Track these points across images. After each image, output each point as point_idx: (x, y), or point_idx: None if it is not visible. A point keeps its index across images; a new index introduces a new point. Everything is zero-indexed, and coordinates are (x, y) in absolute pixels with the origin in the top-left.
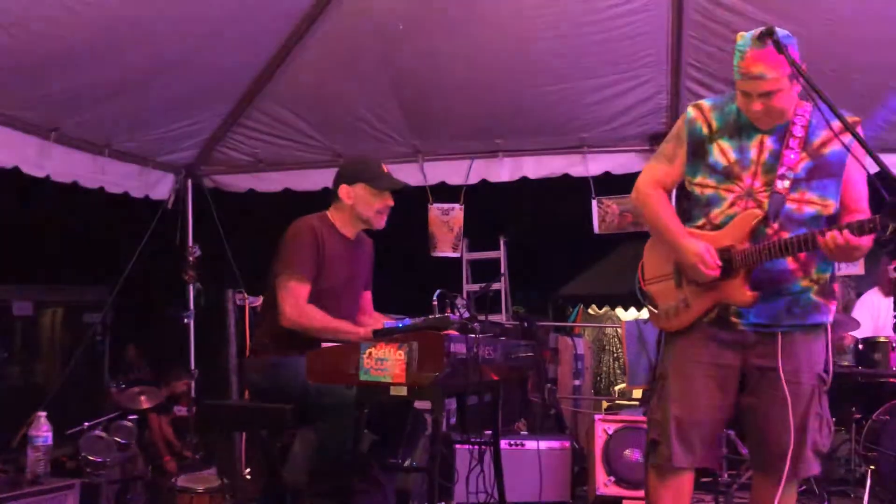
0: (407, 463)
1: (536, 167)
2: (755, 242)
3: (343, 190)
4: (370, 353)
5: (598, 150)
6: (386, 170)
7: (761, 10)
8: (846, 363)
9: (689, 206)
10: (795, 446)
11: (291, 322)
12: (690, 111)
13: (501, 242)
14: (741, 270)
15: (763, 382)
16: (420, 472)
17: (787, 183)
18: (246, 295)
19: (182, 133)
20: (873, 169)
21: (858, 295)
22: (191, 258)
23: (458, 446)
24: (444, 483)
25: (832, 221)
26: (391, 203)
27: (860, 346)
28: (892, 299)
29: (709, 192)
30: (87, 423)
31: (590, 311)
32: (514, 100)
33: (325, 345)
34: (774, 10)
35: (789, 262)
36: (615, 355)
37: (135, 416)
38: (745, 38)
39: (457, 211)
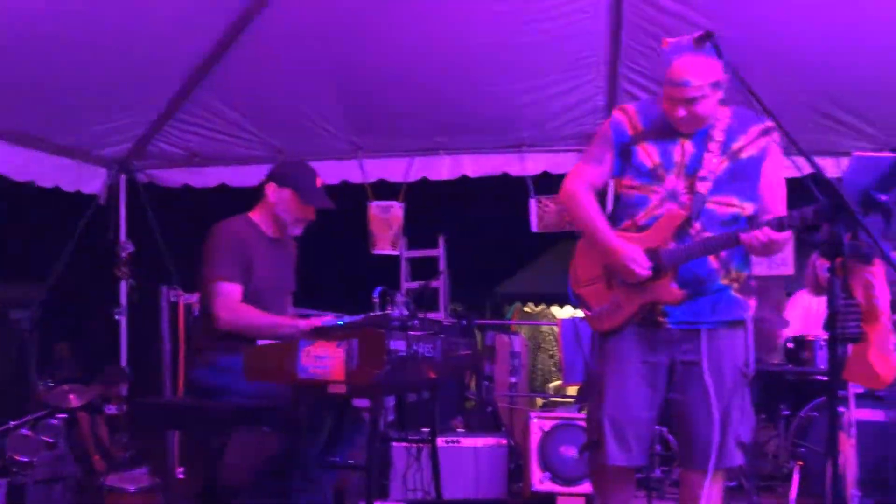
0: (344, 461)
1: (476, 165)
2: (679, 242)
3: (271, 188)
4: (308, 351)
5: (537, 150)
6: (320, 184)
7: (699, 13)
8: (776, 361)
9: (616, 208)
10: (720, 438)
11: (228, 325)
12: (617, 114)
13: (441, 240)
14: (668, 270)
15: (689, 378)
16: (358, 469)
17: (708, 185)
18: (181, 291)
19: (116, 127)
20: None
21: (789, 295)
22: (123, 254)
23: (395, 444)
24: (381, 480)
25: (750, 222)
26: (313, 218)
27: (790, 345)
28: (822, 299)
29: (635, 192)
30: (12, 423)
31: (526, 308)
32: (454, 98)
33: (261, 342)
34: (711, 14)
35: (712, 261)
36: (550, 353)
37: (64, 415)
38: (671, 45)
39: (396, 209)
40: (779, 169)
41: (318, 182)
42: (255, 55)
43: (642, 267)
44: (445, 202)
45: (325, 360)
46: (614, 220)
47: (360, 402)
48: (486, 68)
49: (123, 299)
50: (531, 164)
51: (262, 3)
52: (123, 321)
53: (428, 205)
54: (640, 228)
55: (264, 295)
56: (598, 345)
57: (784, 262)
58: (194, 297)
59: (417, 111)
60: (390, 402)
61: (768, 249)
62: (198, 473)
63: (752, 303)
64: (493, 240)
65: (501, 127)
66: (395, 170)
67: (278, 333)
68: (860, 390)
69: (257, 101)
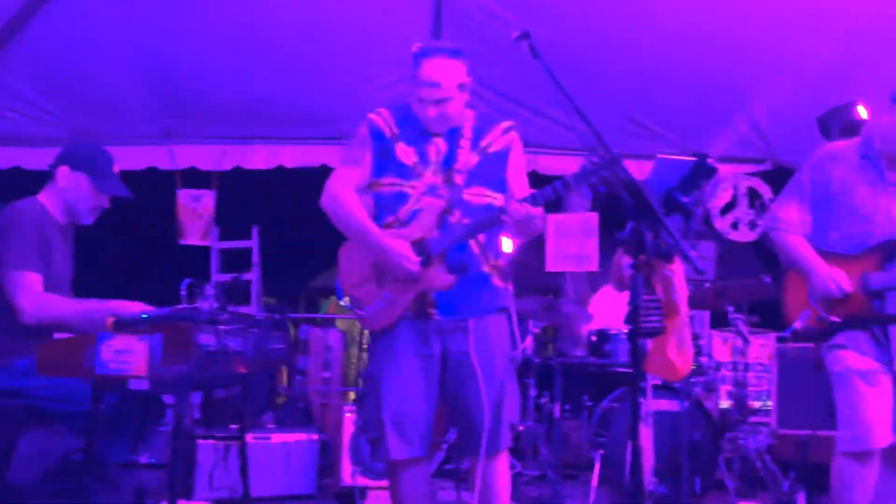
0: (145, 460)
1: (294, 156)
2: (443, 230)
3: (63, 172)
4: (109, 345)
5: None
6: (117, 171)
7: (517, 15)
8: (580, 353)
9: (374, 207)
10: (493, 423)
11: (34, 317)
12: (372, 118)
13: (254, 231)
14: (436, 258)
15: (461, 368)
16: (159, 468)
17: (463, 177)
18: None
19: None
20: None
21: (593, 290)
22: None
23: (201, 441)
24: (186, 480)
25: (501, 211)
26: (106, 206)
27: (593, 338)
28: (624, 294)
29: (396, 189)
30: None
31: (342, 302)
32: (272, 86)
33: (57, 336)
34: (530, 16)
35: (474, 247)
36: (364, 347)
37: None
38: (421, 47)
39: (208, 197)
40: (521, 162)
41: (115, 168)
42: (56, 30)
43: (411, 261)
44: (260, 192)
45: (127, 355)
46: (375, 219)
47: (165, 399)
48: (307, 58)
49: None
50: None
51: None
52: None
53: (242, 195)
54: (404, 223)
55: (61, 285)
56: (372, 343)
57: (589, 260)
58: None
59: (234, 97)
60: (197, 398)
61: (527, 226)
62: None
63: (510, 289)
64: (310, 232)
65: (322, 118)
66: (208, 157)
67: (94, 318)
68: (657, 382)
69: (59, 80)
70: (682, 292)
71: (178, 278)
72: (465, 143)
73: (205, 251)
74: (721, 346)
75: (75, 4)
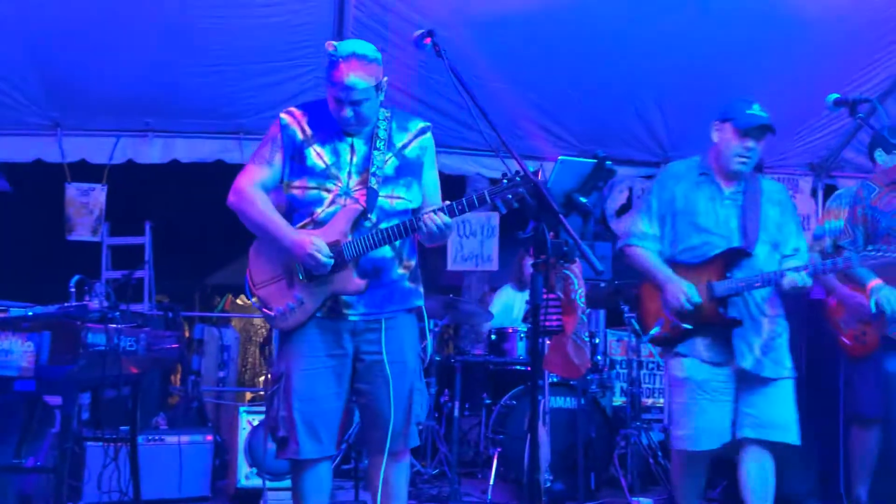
0: (31, 463)
1: (189, 150)
2: (357, 235)
3: None
4: None
5: (255, 138)
6: None
7: (421, 14)
8: (479, 352)
9: (288, 209)
10: (401, 422)
11: None
12: (284, 117)
13: (147, 227)
14: (349, 262)
15: (372, 366)
16: (45, 472)
17: (378, 180)
18: None
19: None
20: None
21: (493, 289)
22: None
23: (90, 444)
24: (73, 483)
25: (416, 213)
26: None
27: (492, 336)
28: (525, 293)
29: (311, 192)
30: None
31: (238, 301)
32: (167, 78)
33: None
34: (434, 16)
35: (389, 251)
36: (262, 346)
37: None
38: (335, 46)
39: (98, 191)
40: (435, 164)
41: None
42: None
43: (324, 259)
44: (154, 187)
45: (12, 355)
46: (290, 221)
47: (52, 400)
48: (203, 50)
49: None
50: (248, 152)
51: None
52: None
53: (134, 189)
54: (319, 224)
55: None
56: (281, 342)
57: (489, 259)
58: None
59: (127, 89)
60: (86, 398)
61: (442, 235)
62: None
63: (421, 289)
64: (205, 228)
65: (219, 112)
66: (99, 150)
67: None
68: (555, 379)
69: None
70: (580, 292)
71: (66, 275)
72: (380, 143)
73: (95, 247)
74: (616, 345)
75: None
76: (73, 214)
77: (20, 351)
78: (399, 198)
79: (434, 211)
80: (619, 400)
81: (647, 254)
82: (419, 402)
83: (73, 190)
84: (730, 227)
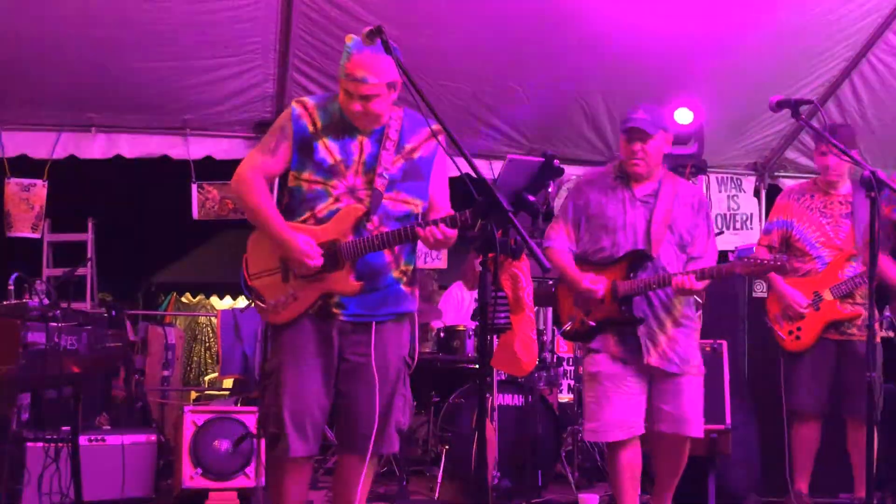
0: None
1: (133, 146)
2: (357, 236)
3: None
4: None
5: (201, 134)
6: None
7: (369, 11)
8: (427, 350)
9: (291, 201)
10: (381, 426)
11: None
12: (295, 107)
13: (90, 224)
14: (346, 262)
15: (357, 368)
16: None
17: (384, 182)
18: None
19: None
20: (465, 169)
21: (442, 287)
22: None
23: (30, 444)
24: (12, 485)
25: (422, 218)
26: None
27: (441, 335)
28: (473, 292)
29: (316, 187)
30: None
31: (183, 299)
32: (110, 72)
33: None
34: (382, 14)
35: (387, 255)
36: (207, 345)
37: None
38: (354, 39)
39: (39, 187)
40: (445, 169)
41: None
42: None
43: (313, 259)
44: (97, 183)
45: None
46: (291, 212)
47: None
48: (147, 44)
49: None
50: (195, 148)
51: None
52: None
53: (76, 185)
54: (320, 221)
55: None
56: (273, 337)
57: (438, 256)
58: None
59: (67, 82)
60: (26, 399)
61: (443, 245)
62: None
63: (417, 294)
64: (150, 226)
65: (163, 107)
66: (40, 145)
67: None
68: (503, 377)
69: None
70: (528, 289)
71: (5, 273)
72: (389, 144)
73: (35, 244)
74: (563, 342)
75: None
76: (13, 210)
77: None
78: (403, 201)
79: (437, 222)
80: (566, 397)
81: (562, 255)
82: (401, 407)
83: (13, 185)
84: (637, 229)
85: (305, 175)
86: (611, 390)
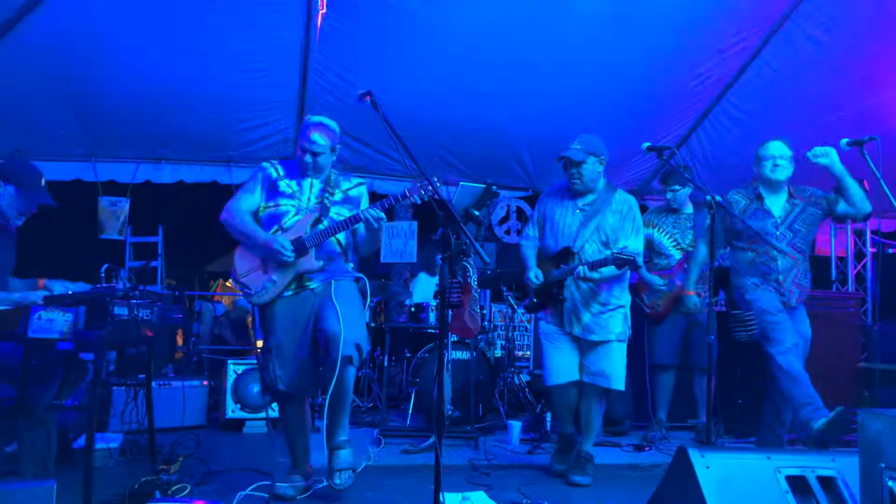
0: (69, 403)
1: (192, 173)
2: (314, 231)
3: None
4: (40, 315)
5: (241, 165)
6: (43, 184)
7: (360, 79)
8: (402, 319)
9: (262, 223)
10: (350, 335)
11: None
12: (266, 164)
13: (160, 229)
14: (309, 249)
15: (324, 303)
16: (80, 410)
17: (330, 202)
18: None
19: None
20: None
21: (413, 275)
22: None
23: (115, 387)
24: (102, 418)
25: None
26: (34, 211)
27: (412, 309)
28: (435, 278)
29: (281, 208)
30: None
31: (227, 283)
32: (176, 119)
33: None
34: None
35: (337, 246)
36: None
37: None
38: (309, 118)
39: (123, 203)
40: (365, 200)
41: (43, 182)
42: (5, 66)
43: (287, 251)
44: (165, 200)
45: (55, 323)
46: (265, 228)
47: (87, 356)
48: (204, 100)
49: None
50: (236, 175)
51: (10, 24)
52: None
53: (150, 202)
54: (286, 230)
55: None
56: (261, 314)
57: (410, 254)
58: None
59: (144, 129)
60: (112, 355)
61: (377, 234)
62: None
63: (358, 274)
64: (203, 230)
65: (213, 145)
66: (124, 173)
67: (29, 300)
68: (455, 339)
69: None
70: (473, 277)
71: (98, 265)
72: (329, 187)
73: (120, 244)
74: (497, 315)
75: (19, 50)
76: (104, 220)
77: (62, 320)
78: (343, 215)
79: (368, 207)
80: (499, 353)
81: (526, 250)
82: (360, 326)
83: (104, 202)
84: (572, 230)
85: (272, 203)
86: (549, 348)
